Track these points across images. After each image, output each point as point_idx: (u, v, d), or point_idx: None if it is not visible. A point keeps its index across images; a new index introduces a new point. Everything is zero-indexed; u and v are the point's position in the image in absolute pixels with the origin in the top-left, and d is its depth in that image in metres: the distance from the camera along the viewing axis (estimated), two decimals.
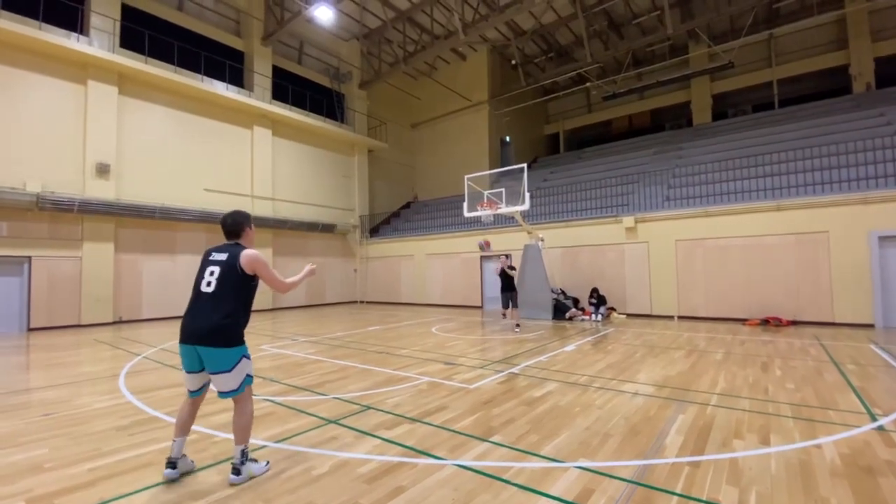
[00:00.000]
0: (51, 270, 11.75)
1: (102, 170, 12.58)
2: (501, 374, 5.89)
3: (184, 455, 3.03)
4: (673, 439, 3.54)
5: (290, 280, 3.30)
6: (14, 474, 3.08)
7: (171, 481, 2.91)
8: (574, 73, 21.08)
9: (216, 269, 3.02)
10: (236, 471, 2.93)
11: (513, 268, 10.65)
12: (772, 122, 17.46)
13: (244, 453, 2.97)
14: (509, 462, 3.18)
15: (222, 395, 2.98)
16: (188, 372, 3.01)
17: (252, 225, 3.34)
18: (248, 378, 3.05)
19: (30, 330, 11.32)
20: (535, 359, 6.92)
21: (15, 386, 5.75)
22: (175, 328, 11.45)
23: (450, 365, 6.57)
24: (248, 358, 3.07)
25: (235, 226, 3.21)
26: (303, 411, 4.42)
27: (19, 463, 3.27)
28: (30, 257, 11.47)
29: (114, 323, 12.72)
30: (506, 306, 10.51)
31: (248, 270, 3.03)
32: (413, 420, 4.12)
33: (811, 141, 13.61)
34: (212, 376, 2.96)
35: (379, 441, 3.60)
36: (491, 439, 3.60)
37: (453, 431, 3.80)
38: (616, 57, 20.92)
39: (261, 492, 2.80)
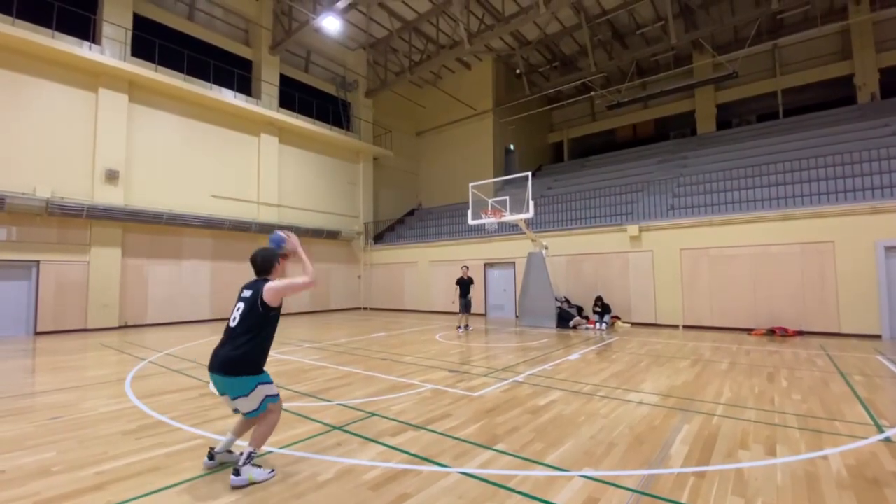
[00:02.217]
0: (58, 275, 11.86)
1: (111, 176, 12.74)
2: (505, 383, 5.88)
3: (230, 451, 3.26)
4: (678, 449, 3.53)
5: (307, 271, 3.23)
6: (22, 477, 3.12)
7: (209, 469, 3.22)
8: (578, 82, 21.21)
9: (241, 306, 3.18)
10: (236, 472, 2.98)
11: (471, 279, 12.28)
12: (776, 132, 17.45)
13: (250, 456, 3.03)
14: (514, 470, 3.18)
15: (246, 414, 3.14)
16: (220, 395, 3.19)
17: (281, 260, 3.35)
18: (269, 398, 3.14)
19: (37, 334, 11.41)
20: (540, 367, 6.91)
21: (22, 389, 5.80)
22: (180, 333, 11.63)
23: (454, 373, 6.57)
24: (268, 383, 3.16)
25: (265, 263, 3.28)
26: (307, 417, 4.44)
27: (27, 466, 3.31)
28: (38, 262, 11.60)
29: (120, 328, 12.80)
30: (464, 311, 11.96)
31: (275, 303, 3.14)
32: (417, 427, 4.12)
33: (816, 151, 13.60)
34: (232, 401, 3.09)
35: (383, 448, 3.61)
36: (495, 447, 3.60)
37: (457, 439, 3.81)
38: (620, 66, 21.01)
39: (266, 497, 2.82)
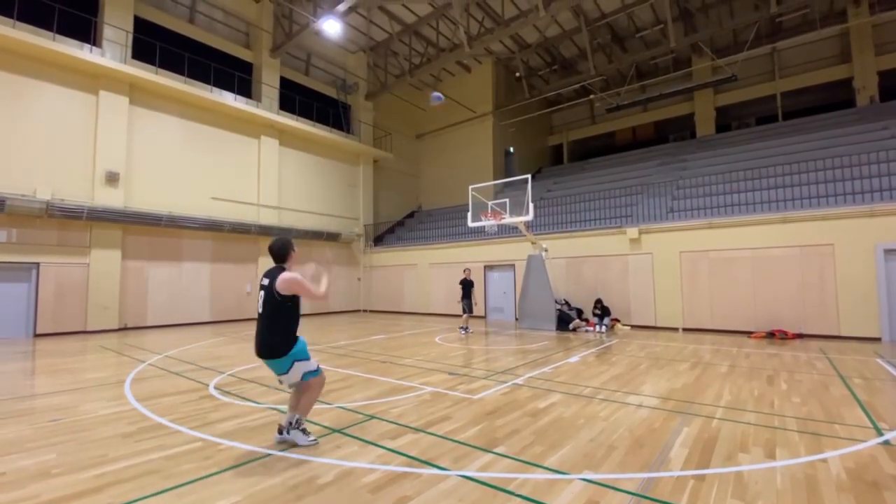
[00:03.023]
0: (58, 277, 11.87)
1: (112, 178, 12.75)
2: (505, 385, 5.88)
3: (289, 425, 3.70)
4: (678, 452, 3.53)
5: (322, 288, 3.76)
6: (22, 479, 3.12)
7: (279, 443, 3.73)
8: (578, 85, 21.26)
9: (263, 294, 3.62)
10: (281, 430, 3.69)
11: (472, 281, 12.39)
12: (776, 135, 17.48)
13: (298, 421, 3.68)
14: (513, 473, 3.18)
15: (290, 387, 3.75)
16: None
17: (295, 248, 3.87)
18: (308, 374, 3.66)
19: (36, 336, 11.40)
20: (539, 370, 6.90)
21: (22, 391, 5.80)
22: (179, 335, 11.66)
23: (453, 375, 6.57)
24: (303, 360, 3.64)
25: (282, 251, 3.74)
26: (307, 420, 4.42)
27: (27, 468, 3.31)
28: (38, 263, 11.60)
29: (119, 329, 12.79)
30: (468, 311, 12.11)
31: (286, 292, 3.52)
32: (417, 430, 4.12)
33: (815, 154, 13.62)
34: (278, 376, 3.67)
35: (383, 451, 3.61)
36: (495, 450, 3.60)
37: (457, 442, 3.81)
38: (620, 69, 21.09)
39: (266, 499, 2.82)
